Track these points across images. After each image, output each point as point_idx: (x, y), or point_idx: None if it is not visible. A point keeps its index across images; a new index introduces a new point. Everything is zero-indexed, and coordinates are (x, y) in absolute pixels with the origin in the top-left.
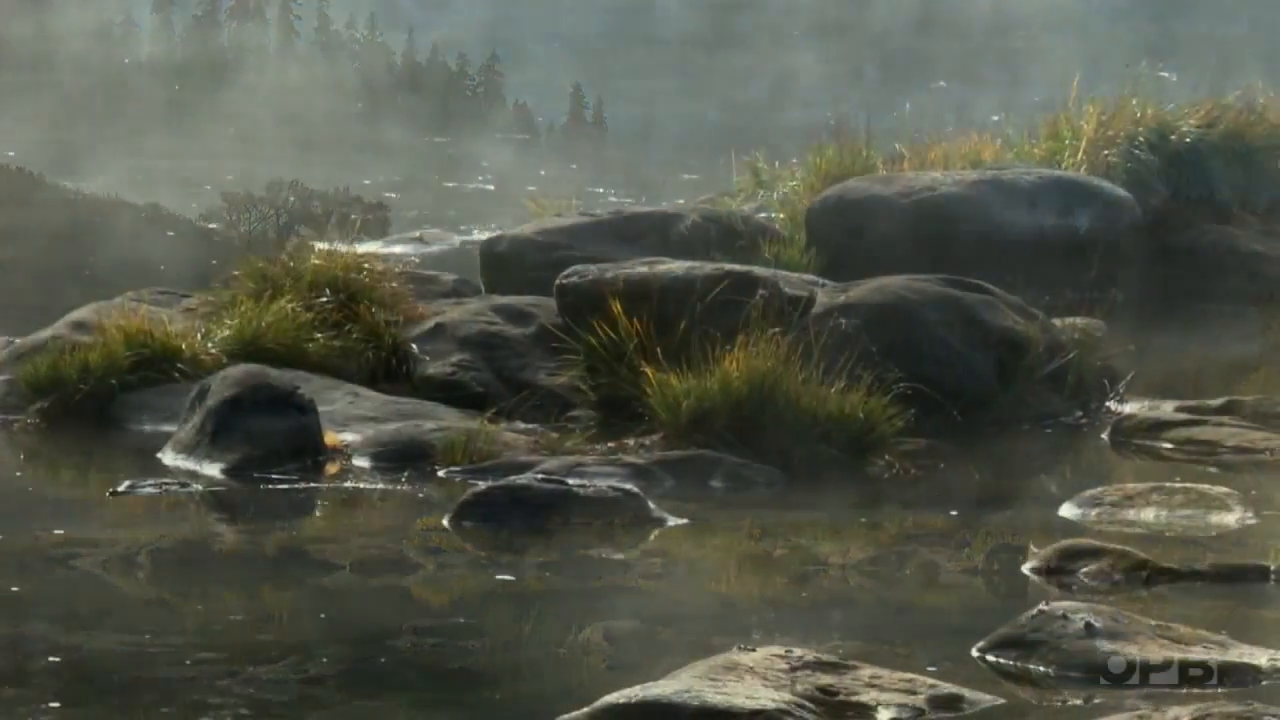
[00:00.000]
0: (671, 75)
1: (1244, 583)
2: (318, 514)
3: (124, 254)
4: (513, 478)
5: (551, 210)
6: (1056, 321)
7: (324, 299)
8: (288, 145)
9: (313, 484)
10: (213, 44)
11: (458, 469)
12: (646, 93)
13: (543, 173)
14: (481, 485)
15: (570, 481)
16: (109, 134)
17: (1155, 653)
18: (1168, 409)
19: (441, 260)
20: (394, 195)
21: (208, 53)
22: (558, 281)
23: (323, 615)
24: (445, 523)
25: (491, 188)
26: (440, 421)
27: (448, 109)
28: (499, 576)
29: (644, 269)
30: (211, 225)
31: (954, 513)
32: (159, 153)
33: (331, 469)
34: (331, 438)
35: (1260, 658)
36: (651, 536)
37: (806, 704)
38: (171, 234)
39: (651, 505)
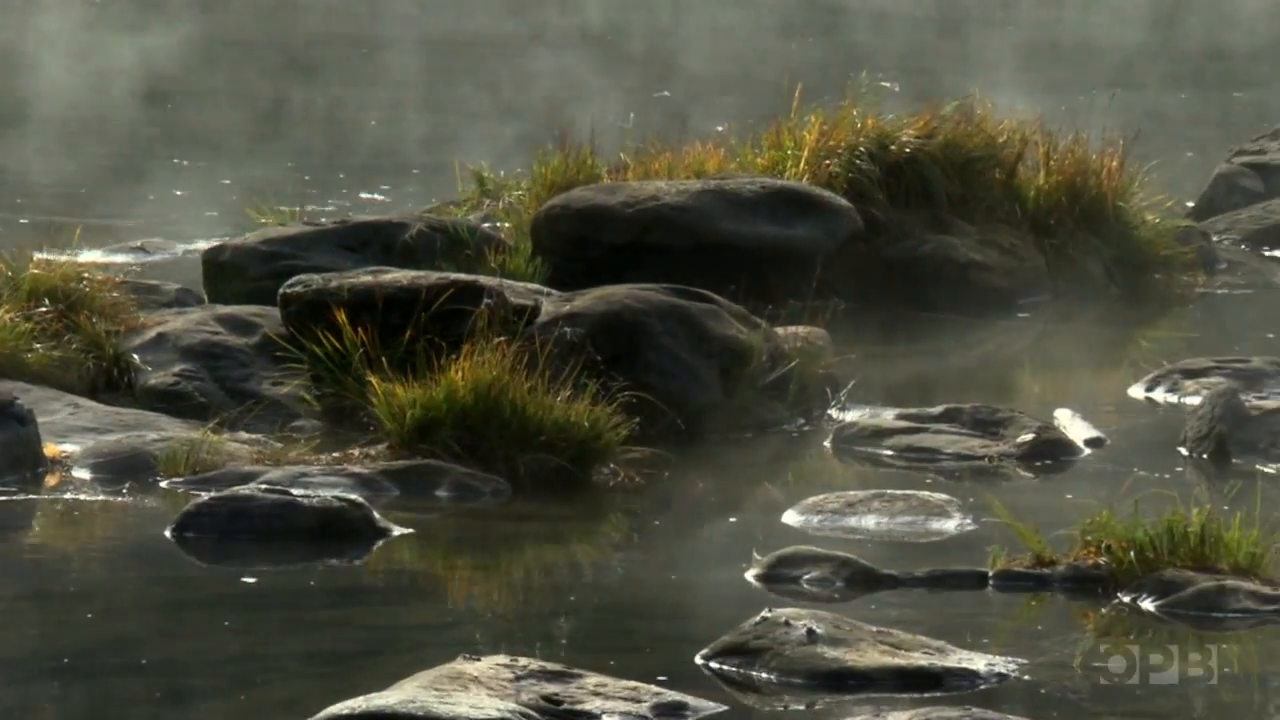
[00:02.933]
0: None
1: (963, 588)
2: (36, 526)
3: None
4: (236, 488)
5: (275, 219)
6: (779, 330)
7: (43, 308)
8: None
9: (32, 496)
10: None
11: (180, 480)
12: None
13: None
14: (204, 496)
15: (294, 492)
16: None
17: (876, 658)
18: (888, 417)
19: (164, 269)
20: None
21: None
22: (281, 291)
23: (35, 630)
24: (167, 534)
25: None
26: (163, 432)
27: None
28: (219, 588)
29: (369, 278)
30: None
31: (678, 521)
32: None
33: (52, 480)
34: (52, 449)
35: (978, 663)
36: (376, 546)
37: (532, 713)
38: None
39: (377, 515)
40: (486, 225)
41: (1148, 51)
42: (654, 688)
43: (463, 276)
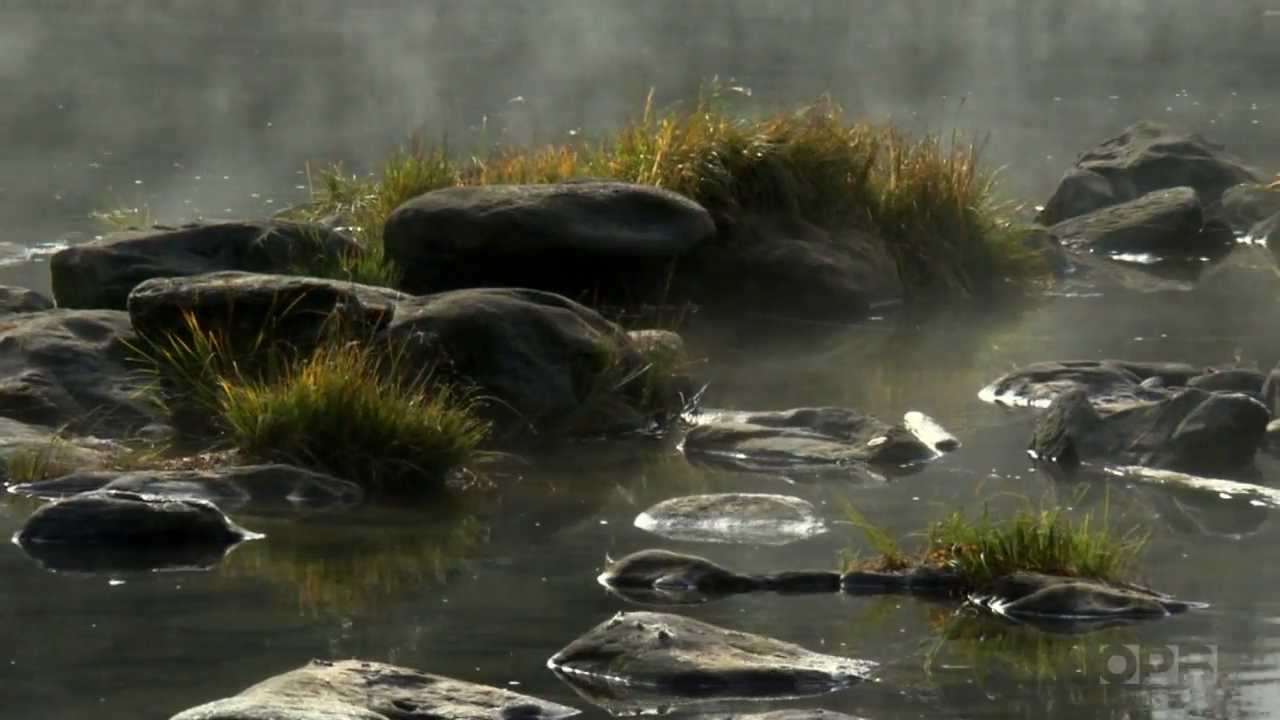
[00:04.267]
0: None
1: (814, 591)
2: None
3: None
4: (85, 494)
5: (125, 223)
6: (632, 334)
7: None
8: None
9: None
10: None
11: (29, 485)
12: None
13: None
14: (53, 501)
15: (145, 497)
16: None
17: (728, 662)
18: (741, 420)
19: (11, 274)
20: None
21: None
22: (132, 295)
23: None
24: (15, 540)
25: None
26: (11, 437)
27: None
28: (68, 594)
29: (220, 282)
30: None
31: (531, 525)
32: None
33: None
34: None
35: (830, 665)
36: (228, 552)
37: (383, 718)
38: None
39: (228, 520)
40: (339, 229)
41: (1010, 57)
42: (506, 692)
43: (315, 280)
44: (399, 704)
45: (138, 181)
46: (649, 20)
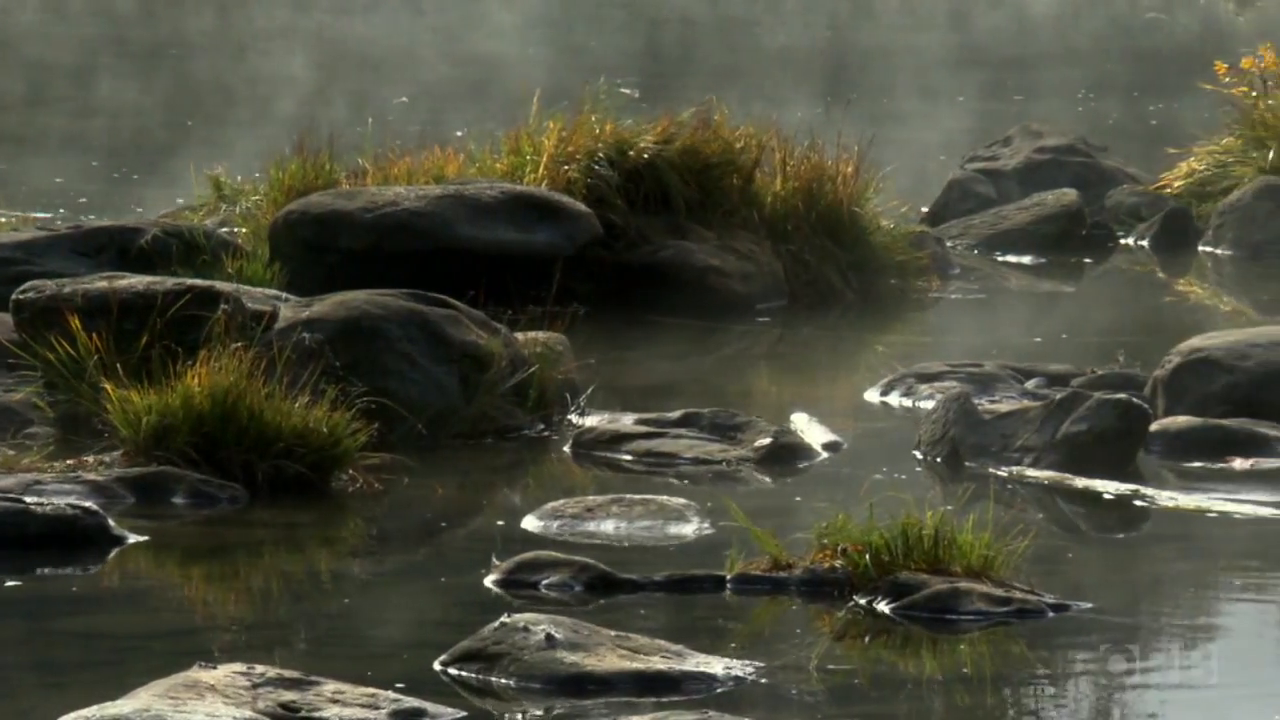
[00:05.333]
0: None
1: (701, 592)
2: None
3: None
4: None
5: (7, 226)
6: (519, 335)
7: None
8: None
9: None
10: None
11: None
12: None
13: None
14: None
15: (27, 499)
16: None
17: (614, 663)
18: (627, 421)
19: None
20: None
21: None
22: (14, 297)
23: None
24: None
25: None
26: None
27: None
28: None
29: (104, 283)
30: None
31: (417, 527)
32: None
33: None
34: None
35: (716, 666)
36: (111, 554)
37: None
38: None
39: (111, 523)
40: (224, 230)
41: (910, 58)
42: (392, 694)
43: (199, 282)
44: (284, 706)
45: (22, 186)
46: (540, 19)
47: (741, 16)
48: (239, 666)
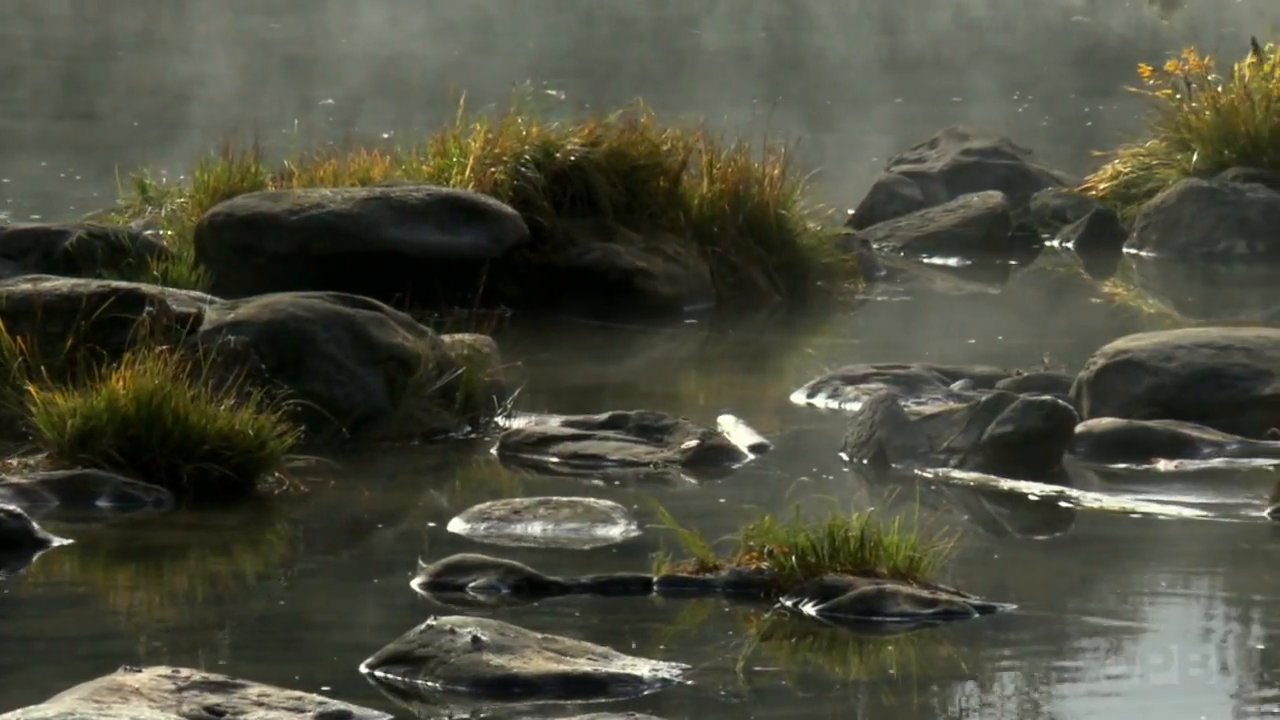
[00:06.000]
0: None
1: (627, 594)
2: None
3: None
4: None
5: None
6: (446, 338)
7: None
8: None
9: None
10: None
11: None
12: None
13: None
14: None
15: None
16: None
17: (541, 665)
18: (554, 424)
19: None
20: None
21: None
22: None
23: None
24: None
25: None
26: None
27: None
28: None
29: (28, 285)
30: None
31: (344, 529)
32: None
33: None
34: None
35: (643, 668)
36: (35, 558)
37: None
38: None
39: (35, 526)
40: (149, 233)
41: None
42: (318, 697)
43: (124, 284)
44: (209, 709)
45: None
46: (469, 21)
47: (676, 17)
48: (164, 670)
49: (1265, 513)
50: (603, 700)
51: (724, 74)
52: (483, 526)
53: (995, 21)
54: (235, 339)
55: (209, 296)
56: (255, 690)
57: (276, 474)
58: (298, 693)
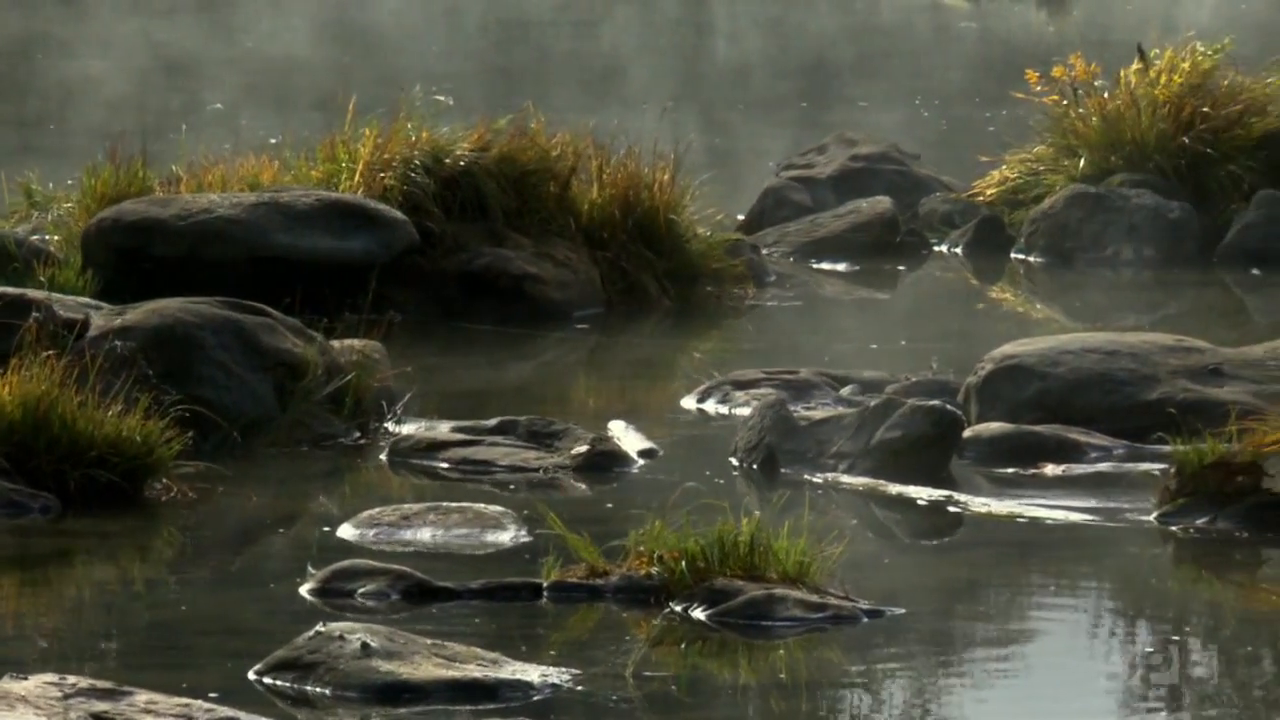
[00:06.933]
0: None
1: (517, 600)
2: None
3: None
4: None
5: None
6: (335, 343)
7: None
8: None
9: None
10: None
11: None
12: None
13: None
14: None
15: None
16: None
17: (430, 671)
18: (444, 429)
19: None
20: None
21: None
22: None
23: None
24: None
25: None
26: None
27: None
28: None
29: None
30: None
31: (232, 535)
32: None
33: None
34: None
35: (533, 674)
36: None
37: None
38: None
39: None
40: (35, 238)
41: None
42: (206, 704)
43: (10, 290)
44: (96, 716)
45: None
46: (359, 26)
47: (580, 21)
48: (50, 677)
49: (1151, 517)
50: (493, 706)
51: (619, 78)
52: (372, 532)
53: (899, 27)
54: (123, 345)
55: (96, 302)
56: (143, 697)
57: (165, 480)
58: (186, 700)
